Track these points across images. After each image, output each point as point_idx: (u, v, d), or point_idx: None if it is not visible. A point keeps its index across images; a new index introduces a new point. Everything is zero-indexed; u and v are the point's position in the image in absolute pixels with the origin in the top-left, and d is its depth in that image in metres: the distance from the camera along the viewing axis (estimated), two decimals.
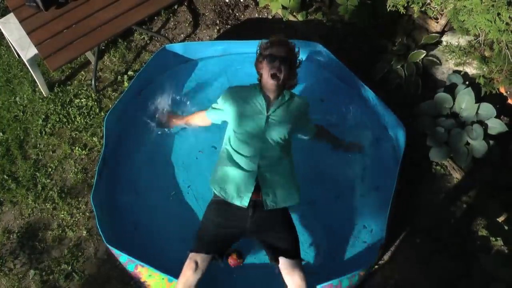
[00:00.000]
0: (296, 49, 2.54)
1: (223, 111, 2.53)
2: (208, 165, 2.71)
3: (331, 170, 2.81)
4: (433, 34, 3.32)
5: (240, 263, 2.54)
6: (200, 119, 2.73)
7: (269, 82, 2.41)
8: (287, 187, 2.38)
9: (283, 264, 2.27)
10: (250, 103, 2.45)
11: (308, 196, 2.62)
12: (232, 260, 2.52)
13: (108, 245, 2.42)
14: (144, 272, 2.37)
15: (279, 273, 2.30)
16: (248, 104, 2.44)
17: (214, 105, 2.60)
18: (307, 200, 2.64)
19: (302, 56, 2.61)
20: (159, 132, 2.87)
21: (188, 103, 2.96)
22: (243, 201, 2.30)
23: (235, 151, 2.36)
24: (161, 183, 2.79)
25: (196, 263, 2.21)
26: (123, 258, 2.41)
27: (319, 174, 2.78)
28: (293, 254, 2.30)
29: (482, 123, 2.86)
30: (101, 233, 2.45)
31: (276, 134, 2.37)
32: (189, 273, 2.20)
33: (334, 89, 3.08)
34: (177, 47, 3.07)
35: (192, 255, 2.24)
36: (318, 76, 3.09)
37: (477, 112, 2.88)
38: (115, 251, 2.41)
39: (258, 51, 2.53)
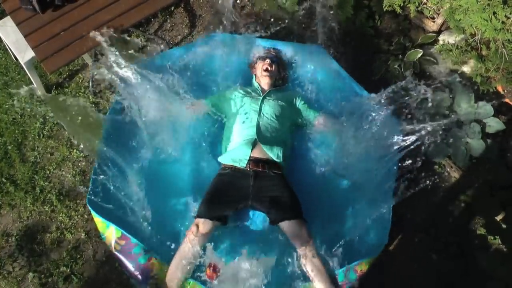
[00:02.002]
0: (282, 54, 3.05)
1: (223, 99, 2.84)
2: (209, 159, 2.76)
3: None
4: (430, 33, 3.33)
5: (214, 276, 2.41)
6: (198, 106, 2.84)
7: (262, 75, 2.87)
8: (280, 147, 2.64)
9: (288, 226, 2.41)
10: (248, 90, 2.86)
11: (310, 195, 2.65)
12: (208, 272, 2.40)
13: (125, 233, 2.36)
14: (157, 264, 2.36)
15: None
16: (246, 92, 2.84)
17: (214, 94, 2.89)
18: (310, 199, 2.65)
19: (302, 59, 3.06)
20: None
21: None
22: (242, 163, 2.57)
23: (237, 126, 2.70)
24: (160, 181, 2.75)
25: (198, 227, 2.35)
26: (137, 249, 2.36)
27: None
28: (296, 215, 2.44)
29: (480, 121, 2.86)
30: (111, 223, 2.38)
31: (271, 110, 2.72)
32: (190, 237, 2.35)
33: (334, 92, 3.05)
34: (174, 52, 3.06)
35: (195, 220, 2.40)
36: (318, 79, 3.08)
37: (475, 111, 2.88)
38: (132, 240, 2.35)
39: (251, 62, 3.01)
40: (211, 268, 2.41)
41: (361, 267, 2.40)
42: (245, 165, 2.56)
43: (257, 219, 2.62)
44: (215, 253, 2.41)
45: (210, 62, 3.08)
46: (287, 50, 3.12)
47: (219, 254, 2.45)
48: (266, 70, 2.85)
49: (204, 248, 2.38)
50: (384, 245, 2.50)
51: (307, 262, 2.34)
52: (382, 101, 2.79)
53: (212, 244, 2.40)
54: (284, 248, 2.54)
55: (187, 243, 2.35)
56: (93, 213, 2.44)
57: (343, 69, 3.03)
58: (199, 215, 2.42)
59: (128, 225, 2.46)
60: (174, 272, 2.32)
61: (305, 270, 2.36)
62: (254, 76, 2.97)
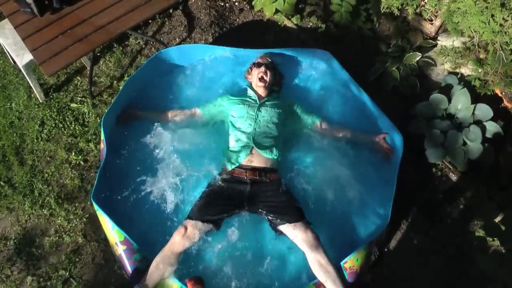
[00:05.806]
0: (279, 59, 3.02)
1: (220, 106, 2.83)
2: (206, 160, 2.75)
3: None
4: (428, 40, 3.34)
5: None
6: (192, 113, 2.87)
7: (258, 85, 2.82)
8: (277, 151, 2.64)
9: (290, 230, 2.38)
10: (245, 98, 2.83)
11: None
12: (190, 286, 2.27)
13: (129, 238, 2.35)
14: None
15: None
16: (242, 99, 2.82)
17: (210, 102, 2.87)
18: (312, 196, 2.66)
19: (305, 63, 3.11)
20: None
21: (180, 104, 2.97)
22: (234, 165, 2.57)
23: (233, 133, 2.69)
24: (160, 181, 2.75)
25: (186, 229, 2.32)
26: (138, 255, 2.36)
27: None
28: (297, 217, 2.40)
29: (478, 124, 2.87)
30: (115, 227, 2.38)
31: (268, 117, 2.71)
32: (176, 238, 2.31)
33: (336, 97, 3.08)
34: (172, 51, 3.06)
35: (184, 222, 2.37)
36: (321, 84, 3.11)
37: (473, 113, 2.89)
38: (134, 246, 2.36)
39: (247, 68, 2.97)
40: (193, 282, 2.25)
41: (350, 264, 2.38)
42: (238, 164, 2.56)
43: (258, 227, 2.61)
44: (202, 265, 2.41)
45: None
46: (288, 55, 3.09)
47: (216, 258, 2.44)
48: (261, 79, 2.81)
49: (186, 252, 2.34)
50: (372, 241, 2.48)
51: (317, 267, 2.31)
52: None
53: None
54: (283, 251, 2.55)
55: (172, 244, 2.32)
56: (98, 210, 2.45)
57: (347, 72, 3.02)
58: (189, 217, 2.39)
59: (131, 229, 2.45)
60: (153, 272, 2.29)
61: (315, 274, 2.32)
62: (249, 83, 2.94)
